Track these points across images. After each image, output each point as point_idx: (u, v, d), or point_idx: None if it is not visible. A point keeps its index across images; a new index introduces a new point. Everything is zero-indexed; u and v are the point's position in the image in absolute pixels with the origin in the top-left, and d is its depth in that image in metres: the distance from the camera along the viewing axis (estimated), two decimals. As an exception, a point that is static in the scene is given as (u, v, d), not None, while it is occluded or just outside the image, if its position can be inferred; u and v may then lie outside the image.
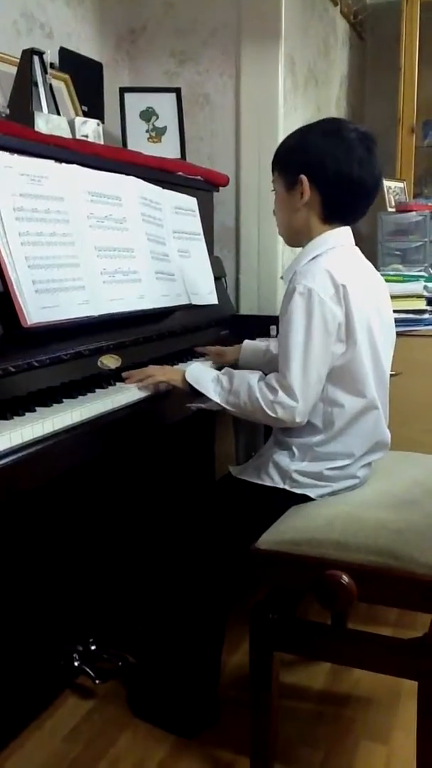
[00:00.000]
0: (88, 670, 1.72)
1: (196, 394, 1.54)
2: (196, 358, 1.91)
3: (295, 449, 1.53)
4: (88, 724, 1.66)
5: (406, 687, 1.70)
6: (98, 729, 1.65)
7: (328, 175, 1.48)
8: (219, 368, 1.63)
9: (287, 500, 1.52)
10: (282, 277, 1.58)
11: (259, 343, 1.93)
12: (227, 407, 1.51)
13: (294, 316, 1.42)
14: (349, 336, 1.46)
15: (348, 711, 1.73)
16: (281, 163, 1.56)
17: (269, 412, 1.44)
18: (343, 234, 1.55)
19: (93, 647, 1.77)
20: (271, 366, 1.82)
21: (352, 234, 1.57)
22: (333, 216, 1.53)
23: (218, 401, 1.51)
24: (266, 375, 1.49)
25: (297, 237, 1.58)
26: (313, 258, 1.50)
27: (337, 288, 1.43)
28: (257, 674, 1.42)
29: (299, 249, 1.64)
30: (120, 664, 1.75)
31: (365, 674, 1.73)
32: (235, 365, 1.88)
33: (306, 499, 1.52)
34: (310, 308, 1.41)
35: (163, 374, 1.57)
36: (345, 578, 1.31)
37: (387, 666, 1.37)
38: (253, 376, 1.49)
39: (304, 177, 1.49)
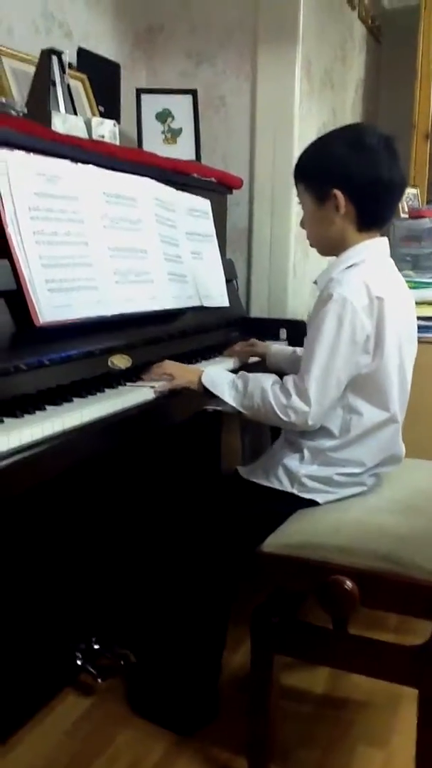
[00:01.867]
0: (90, 668, 1.73)
1: (212, 397, 1.56)
2: (206, 359, 1.92)
3: (306, 451, 1.54)
4: (88, 721, 1.68)
5: (405, 692, 1.70)
6: (98, 726, 1.66)
7: (360, 186, 1.48)
8: (235, 371, 1.65)
9: (294, 504, 1.53)
10: (315, 282, 1.59)
11: (287, 348, 1.97)
12: (242, 410, 1.53)
13: (325, 322, 1.43)
14: (377, 349, 1.47)
15: (347, 714, 1.74)
16: (308, 176, 1.56)
17: (282, 416, 1.46)
18: (380, 244, 1.56)
19: (96, 645, 1.78)
20: (295, 367, 1.84)
21: (387, 244, 1.58)
22: (368, 224, 1.53)
23: (233, 404, 1.53)
24: (286, 377, 1.51)
25: (332, 247, 1.58)
26: (349, 267, 1.50)
27: (372, 300, 1.44)
28: (257, 676, 1.43)
29: (312, 249, 1.65)
30: (122, 662, 1.76)
31: (365, 678, 1.72)
32: (263, 363, 1.91)
33: (312, 503, 1.53)
34: (342, 316, 1.42)
35: (180, 376, 1.59)
36: (348, 583, 1.31)
37: (387, 672, 1.37)
38: (267, 380, 1.51)
39: (338, 191, 1.49)
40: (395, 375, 1.51)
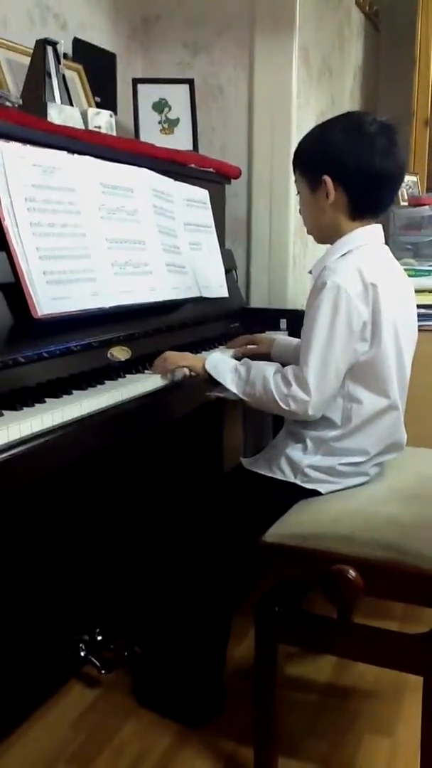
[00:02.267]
0: (93, 659, 1.74)
1: (215, 383, 1.55)
2: (206, 350, 1.91)
3: (309, 442, 1.53)
4: (93, 712, 1.68)
5: (410, 681, 1.71)
6: (103, 717, 1.67)
7: (352, 172, 1.47)
8: (239, 359, 1.64)
9: (296, 494, 1.52)
10: (310, 272, 1.58)
11: (291, 339, 1.94)
12: (243, 397, 1.52)
13: (320, 310, 1.42)
14: (374, 335, 1.46)
15: (352, 704, 1.74)
16: (302, 164, 1.55)
17: (282, 405, 1.45)
18: (374, 231, 1.55)
19: (99, 637, 1.78)
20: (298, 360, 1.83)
21: (382, 231, 1.57)
22: (361, 212, 1.52)
23: (235, 391, 1.52)
24: (286, 367, 1.50)
25: (326, 235, 1.57)
26: (344, 255, 1.49)
27: (366, 286, 1.43)
28: (262, 666, 1.42)
29: (311, 239, 1.64)
30: (126, 654, 1.76)
31: (370, 667, 1.73)
32: (268, 356, 1.89)
33: (315, 493, 1.52)
34: (337, 304, 1.41)
35: (184, 360, 1.58)
36: (351, 573, 1.31)
37: (392, 661, 1.37)
38: (269, 368, 1.50)
39: (327, 178, 1.48)
40: (393, 361, 1.50)
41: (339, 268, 1.45)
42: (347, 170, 1.47)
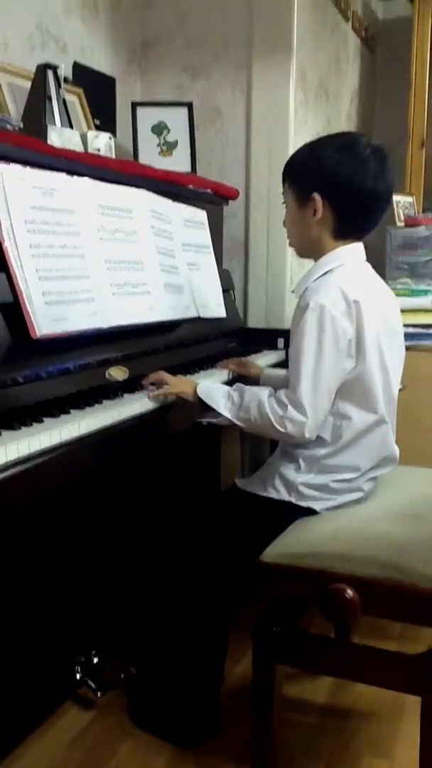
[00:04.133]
0: (89, 681, 1.72)
1: (207, 409, 1.56)
2: (204, 370, 1.92)
3: (301, 461, 1.54)
4: (89, 734, 1.67)
5: (409, 702, 1.70)
6: (99, 739, 1.65)
7: (342, 191, 1.49)
8: (230, 384, 1.65)
9: (292, 513, 1.52)
10: (293, 291, 1.60)
11: (280, 371, 1.95)
12: (238, 423, 1.53)
13: (306, 331, 1.43)
14: (359, 352, 1.47)
15: (350, 725, 1.73)
16: (293, 176, 1.57)
17: (279, 428, 1.46)
18: (356, 250, 1.56)
19: (95, 659, 1.77)
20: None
21: (363, 249, 1.58)
22: (345, 232, 1.54)
23: (229, 417, 1.53)
24: (278, 391, 1.51)
25: (309, 250, 1.59)
26: (325, 273, 1.51)
27: (349, 304, 1.44)
28: (259, 686, 1.42)
29: (307, 260, 1.65)
30: (122, 675, 1.75)
31: (368, 688, 1.72)
32: (257, 382, 1.90)
33: (311, 512, 1.53)
34: (322, 324, 1.42)
35: (174, 385, 1.59)
36: (349, 592, 1.31)
37: (390, 681, 1.36)
38: (263, 392, 1.51)
39: (317, 195, 1.50)
40: (378, 376, 1.51)
41: (321, 288, 1.47)
42: (338, 189, 1.49)
